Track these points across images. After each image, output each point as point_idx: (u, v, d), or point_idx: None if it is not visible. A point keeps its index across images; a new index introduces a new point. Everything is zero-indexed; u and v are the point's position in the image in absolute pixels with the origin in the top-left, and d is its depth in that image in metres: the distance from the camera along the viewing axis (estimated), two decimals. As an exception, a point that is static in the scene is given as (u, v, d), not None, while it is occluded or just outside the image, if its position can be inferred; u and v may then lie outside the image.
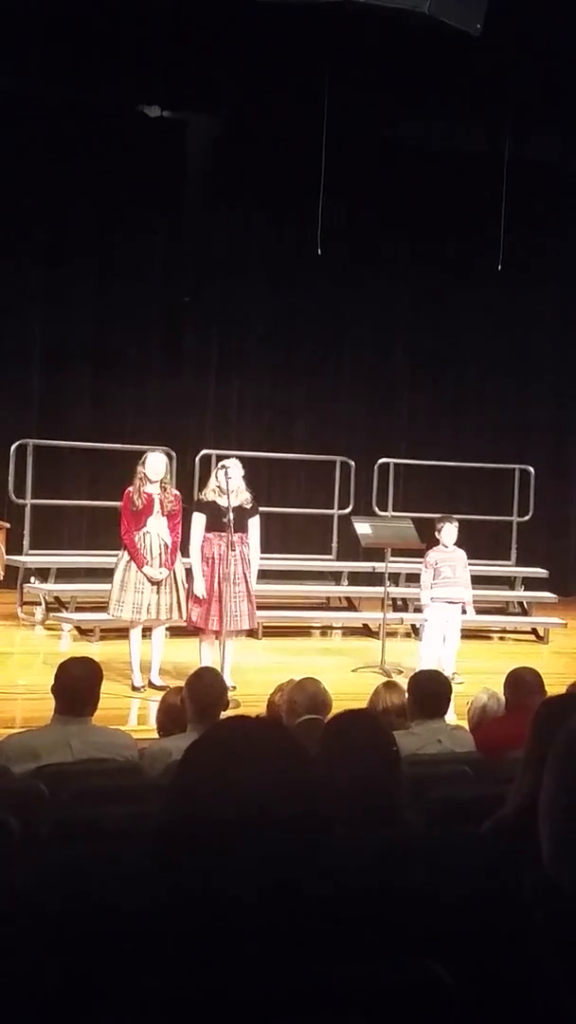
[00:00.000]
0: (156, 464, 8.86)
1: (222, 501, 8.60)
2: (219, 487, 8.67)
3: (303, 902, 1.58)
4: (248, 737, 1.67)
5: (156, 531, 8.74)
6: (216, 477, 8.80)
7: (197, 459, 11.93)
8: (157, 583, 8.71)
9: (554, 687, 5.68)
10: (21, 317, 12.70)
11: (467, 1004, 1.73)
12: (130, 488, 8.85)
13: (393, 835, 2.64)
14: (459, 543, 9.73)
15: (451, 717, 6.07)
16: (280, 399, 13.81)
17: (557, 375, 14.49)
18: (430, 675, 6.08)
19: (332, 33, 10.97)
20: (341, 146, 12.15)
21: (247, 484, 8.91)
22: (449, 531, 9.64)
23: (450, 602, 9.52)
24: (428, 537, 10.05)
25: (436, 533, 9.72)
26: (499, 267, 12.66)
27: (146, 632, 8.91)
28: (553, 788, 1.95)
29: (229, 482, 8.59)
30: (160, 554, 8.72)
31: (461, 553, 9.69)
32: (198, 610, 8.66)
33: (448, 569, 9.54)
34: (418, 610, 10.66)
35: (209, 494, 8.77)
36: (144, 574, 8.67)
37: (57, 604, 11.10)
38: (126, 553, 8.77)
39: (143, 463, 8.87)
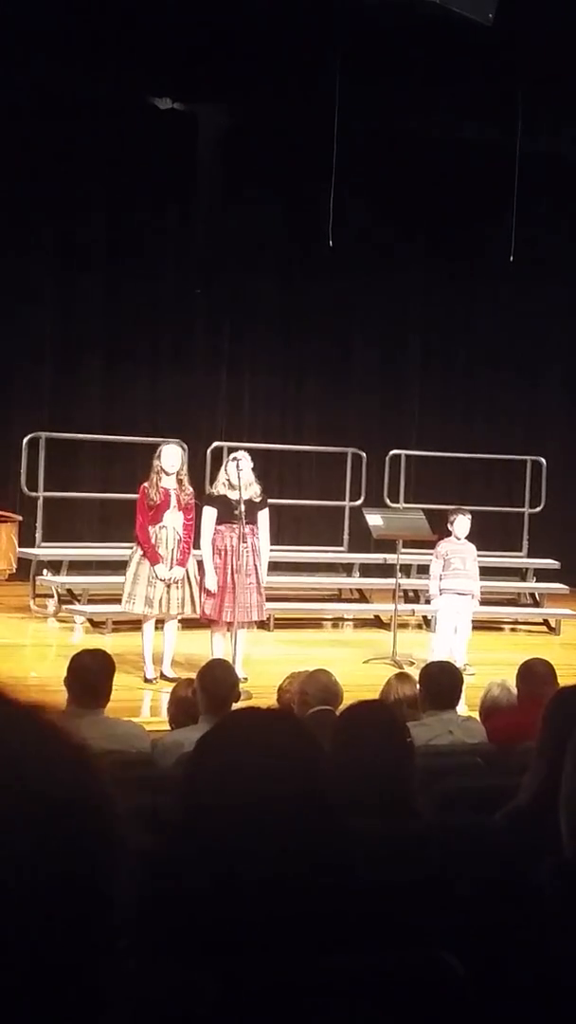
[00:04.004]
0: (172, 456, 8.85)
1: (232, 494, 8.61)
2: (228, 480, 8.68)
3: (314, 892, 1.58)
4: (259, 729, 1.67)
5: (172, 525, 8.75)
6: (226, 470, 8.81)
7: (209, 451, 11.94)
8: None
9: (566, 678, 5.67)
10: (33, 310, 12.70)
11: (480, 993, 1.73)
12: (145, 484, 8.84)
13: (406, 826, 2.65)
14: (470, 534, 9.73)
15: (462, 708, 6.07)
16: (292, 391, 13.81)
17: (568, 366, 14.46)
18: (442, 666, 6.09)
19: (343, 24, 10.95)
20: (352, 138, 12.13)
21: (258, 476, 8.92)
22: (462, 523, 9.65)
23: (459, 593, 9.52)
24: (439, 529, 10.05)
25: (448, 525, 9.72)
26: (510, 258, 12.64)
27: (159, 624, 8.92)
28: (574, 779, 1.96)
29: (240, 474, 8.60)
30: (174, 548, 8.73)
31: (471, 547, 9.70)
32: (212, 602, 8.67)
33: (458, 561, 9.55)
34: (429, 602, 10.67)
35: (219, 487, 8.78)
36: (156, 574, 8.67)
37: (70, 596, 11.12)
38: (139, 547, 8.78)
39: (158, 456, 8.86)
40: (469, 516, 9.77)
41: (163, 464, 8.79)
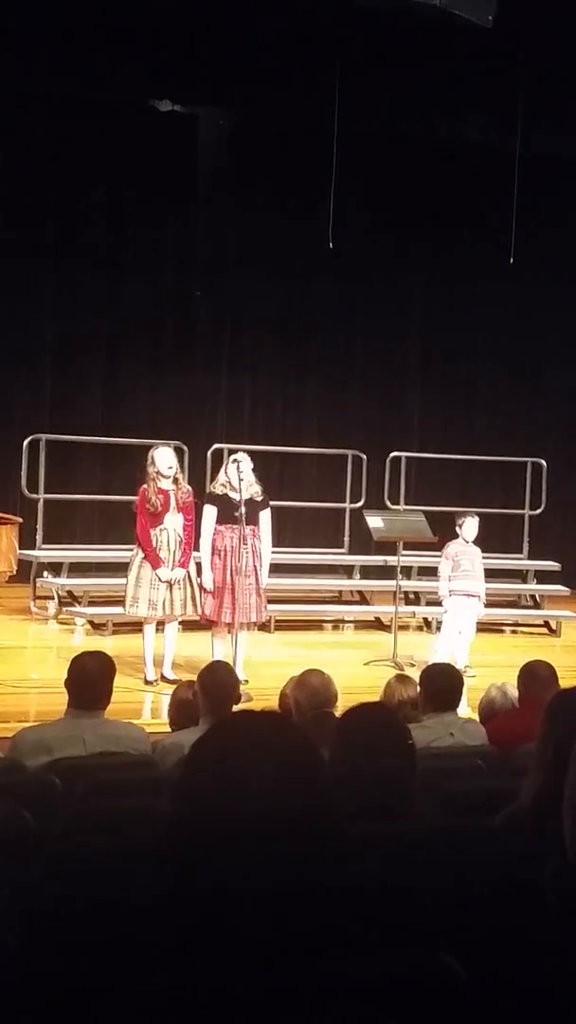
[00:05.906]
0: (166, 458, 8.85)
1: (232, 495, 8.61)
2: (228, 482, 8.67)
3: (312, 896, 1.57)
4: (254, 731, 1.65)
5: (173, 527, 8.75)
6: (226, 472, 8.80)
7: (209, 453, 11.94)
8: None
9: (567, 680, 5.67)
10: (33, 312, 12.71)
11: (482, 995, 1.73)
12: (144, 486, 8.83)
13: (407, 828, 2.64)
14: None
15: (464, 710, 6.07)
16: (292, 393, 13.81)
17: (569, 368, 14.45)
18: (442, 668, 6.08)
19: (343, 26, 10.95)
20: (352, 140, 12.13)
21: (258, 478, 8.91)
22: (470, 525, 9.66)
23: (467, 595, 9.53)
24: (440, 531, 10.06)
25: (457, 528, 9.72)
26: (511, 261, 12.63)
27: (159, 626, 8.92)
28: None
29: (241, 476, 8.59)
30: (175, 550, 8.72)
31: (477, 549, 9.71)
32: (211, 603, 8.67)
33: (467, 562, 9.56)
34: (431, 603, 10.66)
35: (219, 488, 8.77)
36: (159, 576, 8.67)
37: (70, 598, 11.12)
38: (141, 551, 8.77)
39: (152, 461, 8.84)
40: (477, 519, 9.78)
41: (159, 468, 8.78)
